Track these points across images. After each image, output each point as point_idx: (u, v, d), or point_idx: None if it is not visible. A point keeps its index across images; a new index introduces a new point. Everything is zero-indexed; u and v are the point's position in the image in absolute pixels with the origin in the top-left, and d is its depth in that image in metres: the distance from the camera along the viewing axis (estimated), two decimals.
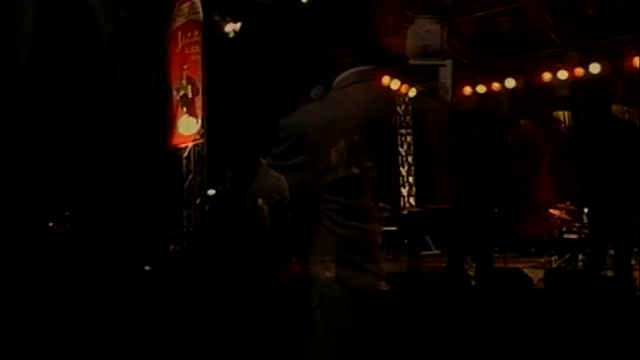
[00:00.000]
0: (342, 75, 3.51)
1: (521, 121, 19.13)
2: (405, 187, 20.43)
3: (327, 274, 3.28)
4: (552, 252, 13.30)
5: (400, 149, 20.50)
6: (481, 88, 18.77)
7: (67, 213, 15.84)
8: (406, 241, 15.66)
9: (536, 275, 10.17)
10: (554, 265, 12.91)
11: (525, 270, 11.98)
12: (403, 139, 20.60)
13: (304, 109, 3.36)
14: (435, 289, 9.22)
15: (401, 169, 20.24)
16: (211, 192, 15.03)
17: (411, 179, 20.24)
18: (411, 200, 20.43)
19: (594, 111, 7.97)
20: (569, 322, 4.88)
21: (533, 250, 15.31)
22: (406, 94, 19.98)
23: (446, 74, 15.32)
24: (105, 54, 13.51)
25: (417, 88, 20.01)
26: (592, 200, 8.23)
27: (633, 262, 12.59)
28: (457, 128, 8.99)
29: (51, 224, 15.54)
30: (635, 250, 13.13)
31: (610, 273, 8.68)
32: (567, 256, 12.68)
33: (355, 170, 8.84)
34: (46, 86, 13.31)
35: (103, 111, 13.90)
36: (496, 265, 13.45)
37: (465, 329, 4.77)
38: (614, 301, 5.11)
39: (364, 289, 3.22)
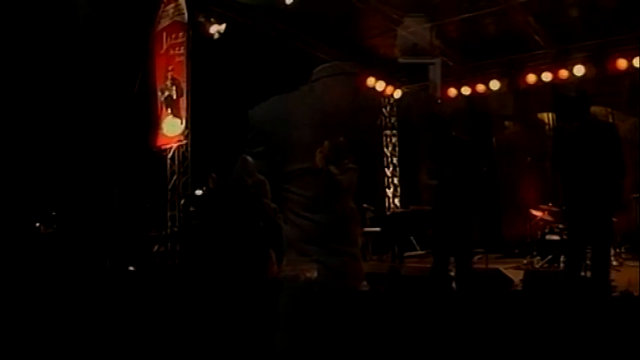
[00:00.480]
0: (315, 69, 3.54)
1: (506, 123, 19.21)
2: (389, 188, 20.49)
3: (308, 274, 3.34)
4: (534, 253, 13.36)
5: (385, 150, 20.55)
6: (466, 90, 18.91)
7: (54, 213, 15.86)
8: (390, 241, 15.68)
9: (518, 276, 10.23)
10: (536, 266, 12.97)
11: (508, 271, 12.09)
12: (388, 140, 20.66)
13: (272, 100, 3.46)
14: (412, 290, 9.29)
15: (386, 170, 20.29)
16: (198, 192, 15.06)
17: (395, 180, 20.30)
18: (396, 201, 20.50)
19: (574, 113, 8.05)
20: (545, 322, 4.92)
21: (516, 250, 15.40)
22: (392, 95, 20.08)
23: (435, 73, 15.34)
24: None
25: (402, 90, 20.10)
26: (570, 202, 8.30)
27: (615, 263, 12.77)
28: (437, 129, 9.04)
29: (38, 224, 15.57)
30: (618, 251, 13.30)
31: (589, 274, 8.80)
32: (549, 257, 12.73)
33: (333, 170, 8.87)
34: (34, 87, 13.36)
35: (90, 111, 13.93)
36: (478, 265, 13.54)
37: (439, 330, 4.82)
38: (591, 303, 5.16)
39: (310, 280, 3.28)
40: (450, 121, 9.13)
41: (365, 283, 10.04)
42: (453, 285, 8.78)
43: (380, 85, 19.15)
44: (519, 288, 9.46)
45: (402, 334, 4.77)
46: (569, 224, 8.54)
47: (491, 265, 13.41)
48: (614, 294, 7.39)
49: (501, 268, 12.96)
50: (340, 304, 3.48)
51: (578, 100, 8.16)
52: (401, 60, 14.34)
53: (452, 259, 8.75)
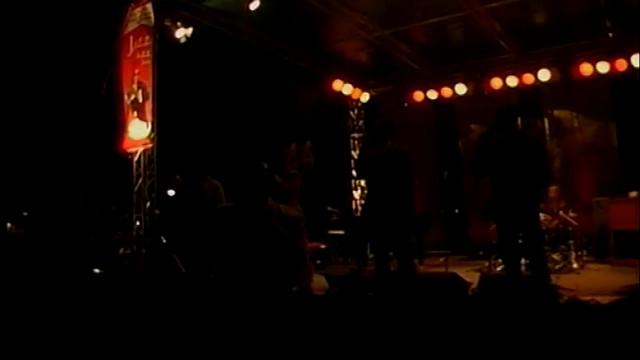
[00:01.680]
0: None
1: (472, 126, 19.37)
2: (357, 190, 20.59)
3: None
4: (496, 255, 13.51)
5: (353, 153, 20.64)
6: (432, 94, 19.05)
7: (25, 214, 15.87)
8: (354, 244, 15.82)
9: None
10: (497, 269, 13.12)
11: (469, 274, 12.26)
12: (356, 142, 20.74)
13: None
14: (368, 293, 9.42)
15: (353, 172, 20.37)
16: (171, 192, 15.15)
17: (363, 182, 20.38)
18: (363, 203, 20.57)
19: (503, 125, 8.36)
20: (491, 328, 5.03)
21: (481, 253, 15.53)
22: (359, 98, 20.20)
23: None
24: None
25: (370, 93, 20.23)
26: (495, 212, 8.63)
27: (576, 265, 12.97)
28: (375, 138, 9.25)
29: (8, 225, 15.57)
30: (579, 253, 13.51)
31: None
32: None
33: (278, 179, 9.06)
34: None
35: (59, 114, 13.96)
36: (436, 269, 13.70)
37: (381, 334, 4.92)
38: (534, 309, 5.29)
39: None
40: (387, 130, 9.30)
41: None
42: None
43: (347, 89, 19.26)
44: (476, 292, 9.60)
45: (345, 338, 4.87)
46: (499, 231, 8.80)
47: (454, 267, 13.56)
48: (560, 299, 7.53)
49: (464, 270, 13.19)
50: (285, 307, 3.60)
51: (506, 114, 8.47)
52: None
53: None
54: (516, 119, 8.65)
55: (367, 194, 9.64)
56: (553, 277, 11.59)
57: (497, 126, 8.46)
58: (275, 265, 5.04)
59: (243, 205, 5.38)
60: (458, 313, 5.17)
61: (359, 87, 19.90)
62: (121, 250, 13.93)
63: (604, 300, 7.43)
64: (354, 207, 20.38)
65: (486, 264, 13.87)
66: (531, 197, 8.23)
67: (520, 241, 8.34)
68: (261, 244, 5.15)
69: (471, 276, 11.28)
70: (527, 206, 8.18)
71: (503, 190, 8.34)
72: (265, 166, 5.36)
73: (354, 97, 20.06)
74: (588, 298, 7.69)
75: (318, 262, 15.95)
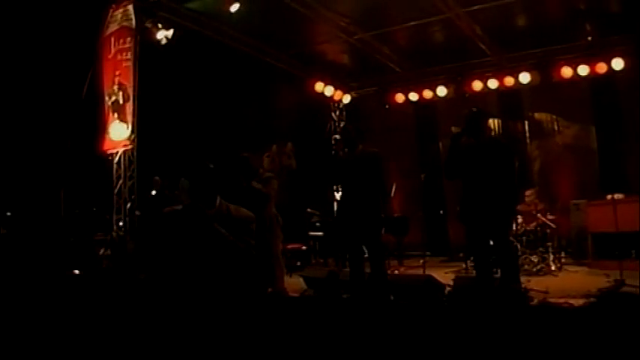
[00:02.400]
0: None
1: (453, 128, 19.45)
2: (338, 192, 20.61)
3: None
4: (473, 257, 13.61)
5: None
6: (413, 96, 19.12)
7: (8, 214, 15.83)
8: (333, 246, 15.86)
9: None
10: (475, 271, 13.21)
11: (448, 275, 12.34)
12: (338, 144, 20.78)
13: None
14: (339, 295, 9.48)
15: None
16: (154, 192, 15.17)
17: None
18: None
19: (470, 128, 8.40)
20: (461, 331, 5.06)
21: (461, 254, 15.58)
22: (340, 100, 20.25)
23: None
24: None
25: (351, 95, 20.28)
26: (464, 211, 8.67)
27: (553, 267, 13.06)
28: (347, 142, 9.31)
29: None
30: (557, 256, 13.60)
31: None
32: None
33: (256, 185, 9.08)
34: None
35: (40, 115, 13.95)
36: (413, 271, 13.73)
37: (351, 336, 4.96)
38: (503, 313, 5.33)
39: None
40: (359, 135, 9.35)
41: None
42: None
43: (329, 90, 19.30)
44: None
45: (317, 341, 4.91)
46: (468, 234, 8.86)
47: (433, 269, 13.63)
48: (531, 302, 7.61)
49: (442, 272, 13.27)
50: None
51: (475, 117, 8.50)
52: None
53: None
54: (485, 122, 8.69)
55: (341, 197, 9.68)
56: (530, 279, 11.75)
57: (466, 129, 8.49)
58: (214, 269, 5.05)
59: (188, 208, 5.37)
60: (428, 316, 5.19)
61: (340, 88, 19.94)
62: (101, 251, 13.93)
63: (577, 302, 7.52)
64: (335, 208, 20.41)
65: (464, 265, 13.94)
66: (501, 202, 8.23)
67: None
68: (200, 248, 5.17)
69: (449, 278, 11.36)
70: (496, 211, 8.19)
71: (472, 194, 8.38)
72: (211, 165, 5.38)
73: (336, 98, 20.10)
74: (561, 300, 7.78)
75: (298, 263, 16.02)
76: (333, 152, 18.26)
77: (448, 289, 9.88)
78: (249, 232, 5.53)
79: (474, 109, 8.75)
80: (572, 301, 7.84)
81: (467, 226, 8.72)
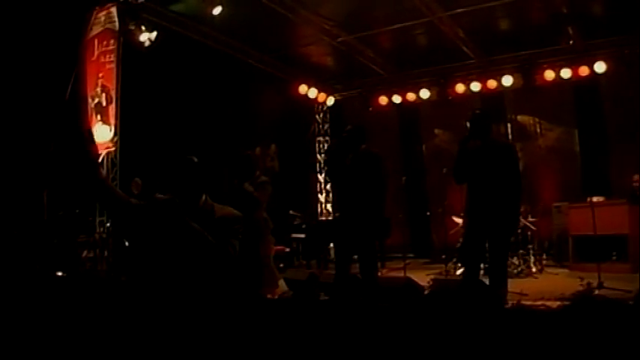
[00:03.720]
0: None
1: (436, 131, 19.53)
2: (322, 194, 20.68)
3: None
4: (455, 259, 13.65)
5: (318, 156, 20.74)
6: (397, 98, 19.19)
7: None
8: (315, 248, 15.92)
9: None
10: (457, 273, 13.27)
11: (429, 277, 12.38)
12: (321, 146, 20.83)
13: None
14: (317, 297, 9.50)
15: (318, 175, 20.47)
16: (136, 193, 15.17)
17: (328, 186, 20.44)
18: (328, 207, 20.67)
19: (477, 131, 8.41)
20: (436, 335, 5.09)
21: (443, 256, 15.62)
22: (324, 102, 20.29)
23: None
24: None
25: (335, 97, 20.33)
26: (470, 214, 8.67)
27: (534, 269, 13.12)
28: (347, 145, 9.31)
29: None
30: (539, 257, 13.67)
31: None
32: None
33: (249, 187, 9.08)
34: None
35: (22, 116, 13.93)
36: (392, 274, 13.77)
37: (321, 337, 4.99)
38: (479, 315, 5.36)
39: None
40: (360, 136, 9.38)
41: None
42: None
43: (312, 92, 19.34)
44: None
45: (291, 343, 4.95)
46: (467, 235, 8.88)
47: (415, 271, 13.69)
48: (506, 305, 7.64)
49: (424, 274, 13.32)
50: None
51: (480, 119, 8.51)
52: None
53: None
54: (490, 123, 8.69)
55: (340, 198, 9.61)
56: (511, 281, 11.81)
57: (472, 132, 8.49)
58: (187, 269, 4.99)
59: (164, 202, 5.29)
60: (404, 319, 5.23)
61: (324, 91, 19.98)
62: (84, 253, 13.94)
63: (554, 305, 7.57)
64: (319, 210, 20.48)
65: (446, 268, 13.99)
66: (507, 205, 8.24)
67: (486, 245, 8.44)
68: (172, 245, 5.11)
69: (431, 279, 11.40)
70: (503, 214, 8.20)
71: (479, 196, 8.39)
72: (195, 159, 5.32)
73: (320, 100, 20.15)
74: (538, 302, 7.82)
75: (281, 265, 16.05)
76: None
77: (427, 290, 9.92)
78: (232, 232, 5.48)
79: (478, 111, 8.79)
80: (548, 304, 7.88)
81: (470, 224, 8.72)
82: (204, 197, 5.49)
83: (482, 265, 9.04)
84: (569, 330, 4.41)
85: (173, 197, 5.19)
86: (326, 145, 20.73)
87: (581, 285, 8.09)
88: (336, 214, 10.21)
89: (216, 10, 13.33)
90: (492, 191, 8.18)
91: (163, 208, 5.13)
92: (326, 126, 20.99)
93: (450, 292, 8.68)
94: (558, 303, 7.42)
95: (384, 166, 9.14)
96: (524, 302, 8.53)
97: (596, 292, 9.57)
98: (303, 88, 18.89)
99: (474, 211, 8.47)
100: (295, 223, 16.69)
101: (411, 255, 18.08)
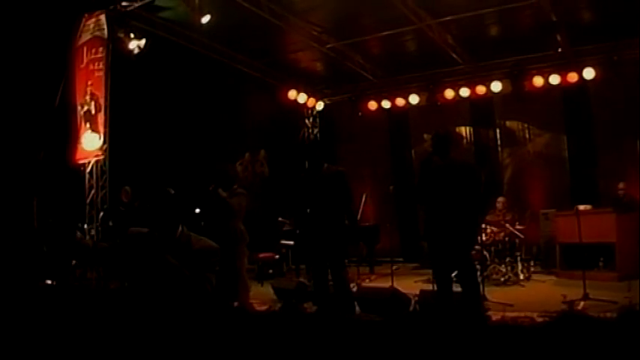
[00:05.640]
0: None
1: (425, 136, 19.57)
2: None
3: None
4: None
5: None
6: (386, 103, 19.24)
7: None
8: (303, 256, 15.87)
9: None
10: None
11: (417, 284, 12.44)
12: None
13: None
14: (304, 310, 9.53)
15: None
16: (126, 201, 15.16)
17: None
18: None
19: (437, 150, 8.51)
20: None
21: None
22: (314, 107, 20.32)
23: None
24: None
25: (324, 102, 20.35)
26: (428, 234, 8.75)
27: (522, 277, 13.18)
28: (311, 160, 9.46)
29: None
30: (526, 265, 13.73)
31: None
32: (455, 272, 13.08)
33: (222, 193, 9.11)
34: None
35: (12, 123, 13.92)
36: (376, 284, 13.75)
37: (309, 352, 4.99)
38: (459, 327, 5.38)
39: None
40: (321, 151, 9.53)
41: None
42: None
43: (302, 98, 19.36)
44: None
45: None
46: (430, 255, 8.97)
47: (403, 277, 13.79)
48: (490, 321, 7.68)
49: (412, 281, 13.43)
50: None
51: (441, 139, 8.61)
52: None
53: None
54: (451, 144, 8.75)
55: (309, 212, 9.74)
56: (497, 289, 11.90)
57: (433, 151, 8.60)
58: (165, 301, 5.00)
59: (145, 235, 5.34)
60: (389, 334, 5.22)
61: (314, 95, 20.01)
62: (74, 261, 13.92)
63: (539, 318, 7.62)
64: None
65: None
66: (463, 223, 8.33)
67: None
68: (152, 277, 5.13)
69: (417, 287, 11.44)
70: (459, 232, 8.29)
71: (436, 215, 8.47)
72: (172, 191, 5.35)
73: (309, 105, 20.18)
74: (522, 314, 7.87)
75: (270, 271, 16.09)
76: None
77: (415, 299, 9.97)
78: (209, 266, 5.50)
79: (440, 132, 8.87)
80: (533, 315, 7.92)
81: (430, 245, 8.80)
82: (180, 228, 5.53)
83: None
84: (550, 348, 4.42)
85: (150, 230, 5.23)
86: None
87: (563, 303, 8.14)
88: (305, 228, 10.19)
89: (205, 19, 13.32)
90: (450, 209, 8.27)
91: (139, 243, 5.16)
92: (315, 130, 20.98)
93: (435, 305, 8.75)
94: (543, 316, 7.48)
95: (348, 184, 9.32)
96: (508, 313, 8.69)
97: (582, 303, 9.66)
98: (292, 93, 18.89)
99: (433, 228, 8.54)
100: (284, 229, 16.65)
101: (400, 259, 18.13)
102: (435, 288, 8.84)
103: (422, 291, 10.08)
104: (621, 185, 14.67)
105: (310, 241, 9.17)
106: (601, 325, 4.47)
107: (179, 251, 5.28)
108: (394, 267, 13.67)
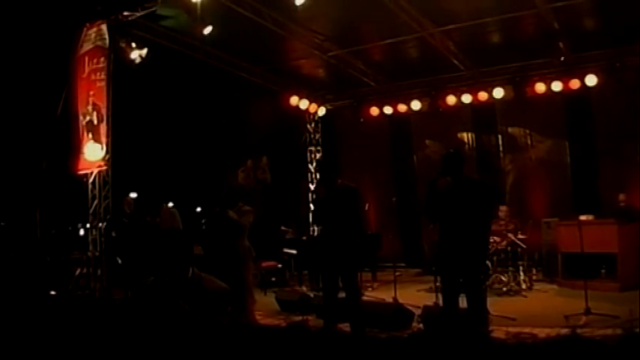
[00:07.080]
0: None
1: (427, 142, 19.57)
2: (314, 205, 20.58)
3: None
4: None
5: (310, 166, 20.69)
6: (388, 109, 19.21)
7: None
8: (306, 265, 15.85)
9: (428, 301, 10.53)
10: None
11: (420, 293, 12.45)
12: (312, 156, 20.77)
13: None
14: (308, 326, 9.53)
15: (310, 186, 20.41)
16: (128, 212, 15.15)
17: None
18: None
19: (448, 169, 8.46)
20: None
21: (433, 268, 15.65)
22: (316, 112, 20.30)
23: None
24: None
25: (326, 107, 20.33)
26: (442, 249, 8.70)
27: (524, 286, 13.16)
28: (325, 179, 9.52)
29: None
30: (529, 274, 13.70)
31: None
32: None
33: (233, 215, 9.11)
34: None
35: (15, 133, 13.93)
36: (386, 288, 13.72)
37: None
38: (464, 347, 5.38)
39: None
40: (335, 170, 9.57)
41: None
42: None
43: (303, 104, 19.35)
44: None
45: None
46: (441, 270, 8.91)
47: (406, 285, 13.79)
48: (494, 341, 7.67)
49: (414, 289, 13.44)
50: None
51: (452, 158, 8.55)
52: None
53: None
54: (462, 163, 8.69)
55: (322, 229, 9.75)
56: (500, 300, 11.89)
57: (443, 170, 8.54)
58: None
59: (158, 282, 5.35)
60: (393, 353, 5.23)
61: (315, 101, 19.99)
62: (78, 271, 13.92)
63: (541, 333, 7.62)
64: (310, 220, 20.35)
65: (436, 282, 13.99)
66: (477, 243, 8.30)
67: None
68: (167, 321, 5.12)
69: (420, 297, 11.46)
70: (472, 252, 8.25)
71: (450, 235, 8.40)
72: (182, 237, 5.43)
73: (311, 111, 20.16)
74: (526, 330, 7.87)
75: (273, 279, 16.09)
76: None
77: (418, 311, 9.97)
78: (220, 307, 5.51)
79: (452, 150, 8.83)
80: (536, 331, 7.91)
81: (443, 261, 8.74)
82: (191, 270, 5.54)
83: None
84: None
85: (162, 277, 5.25)
86: (317, 155, 20.69)
87: (565, 317, 8.14)
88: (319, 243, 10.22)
89: (207, 30, 13.30)
90: (464, 228, 8.22)
91: (153, 292, 5.19)
92: (317, 136, 20.96)
93: (440, 324, 8.74)
94: (546, 332, 7.48)
95: (361, 199, 9.60)
96: (511, 329, 8.67)
97: (584, 318, 9.65)
98: (294, 100, 18.88)
99: (446, 248, 8.49)
100: (287, 237, 16.64)
101: (403, 265, 18.10)
102: (441, 303, 8.82)
103: (425, 307, 10.04)
104: (622, 197, 14.70)
105: (324, 254, 9.15)
106: (602, 348, 4.47)
107: (191, 293, 5.29)
108: (397, 273, 13.64)
